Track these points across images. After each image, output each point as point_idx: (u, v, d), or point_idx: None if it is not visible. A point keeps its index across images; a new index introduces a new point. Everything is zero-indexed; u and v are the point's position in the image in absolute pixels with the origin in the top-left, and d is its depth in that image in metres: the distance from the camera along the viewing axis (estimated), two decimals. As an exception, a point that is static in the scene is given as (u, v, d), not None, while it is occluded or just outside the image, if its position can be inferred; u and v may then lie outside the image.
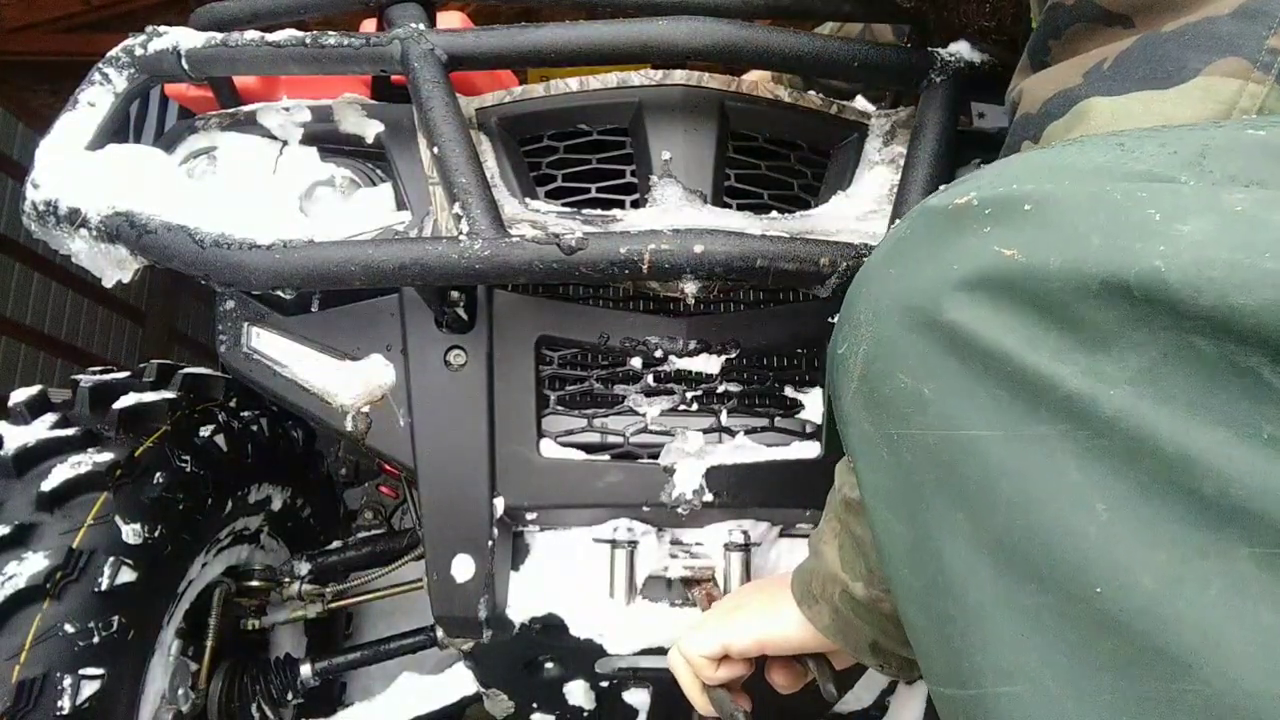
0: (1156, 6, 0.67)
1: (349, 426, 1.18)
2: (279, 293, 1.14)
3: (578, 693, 1.32)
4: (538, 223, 1.07)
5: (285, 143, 1.20)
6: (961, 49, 1.11)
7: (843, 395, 0.62)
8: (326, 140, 1.20)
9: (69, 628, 1.05)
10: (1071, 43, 0.74)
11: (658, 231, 0.96)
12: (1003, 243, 0.50)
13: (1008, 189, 0.52)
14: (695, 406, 1.16)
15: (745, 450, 1.15)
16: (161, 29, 1.15)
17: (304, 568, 1.52)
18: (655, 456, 1.15)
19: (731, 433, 1.16)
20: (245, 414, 1.42)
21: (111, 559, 1.10)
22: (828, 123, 1.23)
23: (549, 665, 1.31)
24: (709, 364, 1.14)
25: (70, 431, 1.19)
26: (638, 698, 1.34)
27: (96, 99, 1.12)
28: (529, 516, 1.18)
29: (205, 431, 1.30)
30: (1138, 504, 0.45)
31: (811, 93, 1.23)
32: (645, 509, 1.16)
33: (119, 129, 1.13)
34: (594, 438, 1.17)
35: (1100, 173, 0.51)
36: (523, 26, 1.08)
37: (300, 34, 1.10)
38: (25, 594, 1.04)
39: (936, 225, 0.55)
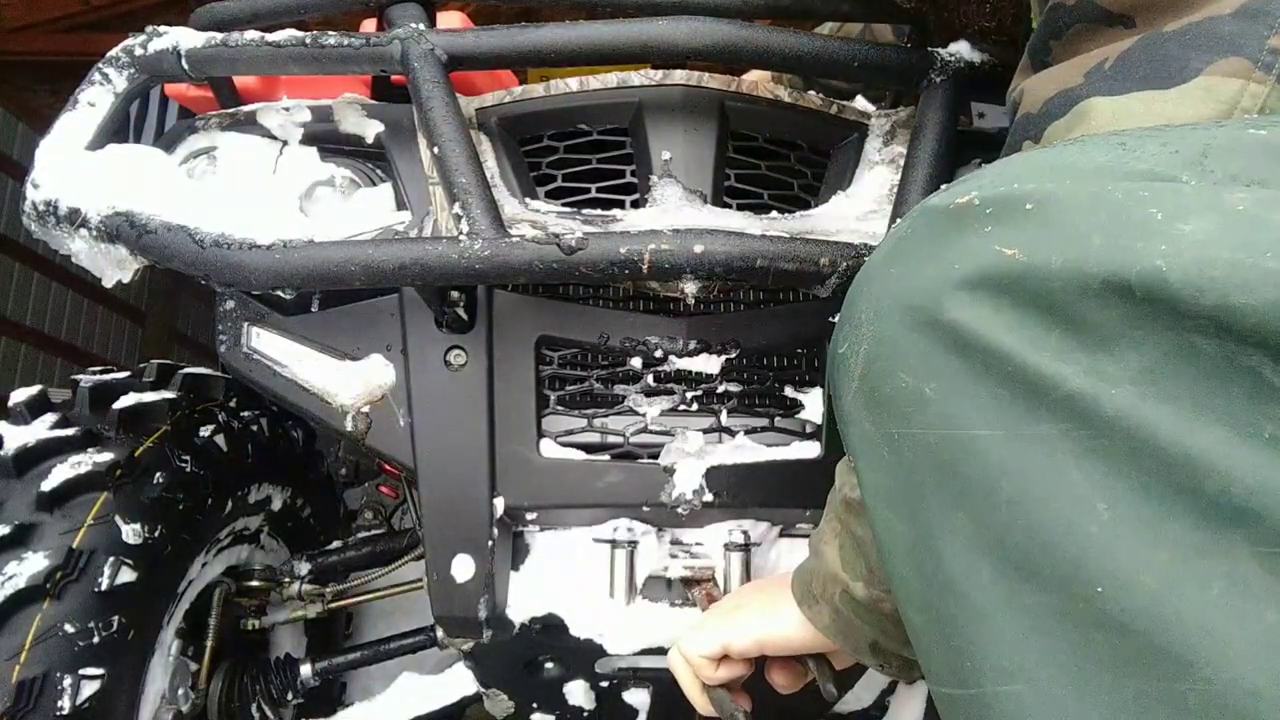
0: (1158, 7, 0.67)
1: (349, 426, 1.18)
2: (279, 293, 1.14)
3: (578, 693, 1.32)
4: (538, 223, 1.07)
5: (285, 143, 1.20)
6: (961, 49, 1.11)
7: (844, 395, 0.62)
8: (326, 140, 1.20)
9: (69, 628, 1.05)
10: (1073, 43, 0.74)
11: (658, 231, 0.96)
12: (1004, 242, 0.50)
13: (1009, 188, 0.52)
14: (695, 406, 1.16)
15: (745, 450, 1.15)
16: (161, 29, 1.15)
17: (304, 568, 1.52)
18: (655, 456, 1.15)
19: (731, 433, 1.16)
20: (245, 414, 1.42)
21: (111, 559, 1.10)
22: (828, 123, 1.23)
23: (549, 665, 1.31)
24: (709, 364, 1.14)
25: (70, 431, 1.19)
26: (638, 698, 1.34)
27: (96, 99, 1.12)
28: (529, 516, 1.18)
29: (205, 431, 1.30)
30: (1139, 503, 0.45)
31: (811, 93, 1.23)
32: (645, 509, 1.16)
33: (119, 129, 1.13)
34: (594, 438, 1.17)
35: (1101, 172, 0.51)
36: (523, 26, 1.08)
37: (300, 34, 1.10)
38: (25, 594, 1.04)
39: (938, 224, 0.55)
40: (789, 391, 1.17)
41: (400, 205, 1.17)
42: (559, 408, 1.17)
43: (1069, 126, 0.69)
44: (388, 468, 1.71)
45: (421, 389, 1.15)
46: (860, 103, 1.30)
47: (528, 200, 1.14)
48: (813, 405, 1.16)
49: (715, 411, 1.17)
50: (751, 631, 0.91)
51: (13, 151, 6.71)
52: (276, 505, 1.49)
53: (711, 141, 1.15)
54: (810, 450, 1.15)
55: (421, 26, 1.09)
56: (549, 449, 1.15)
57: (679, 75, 1.17)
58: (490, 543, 1.15)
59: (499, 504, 1.15)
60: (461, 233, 0.99)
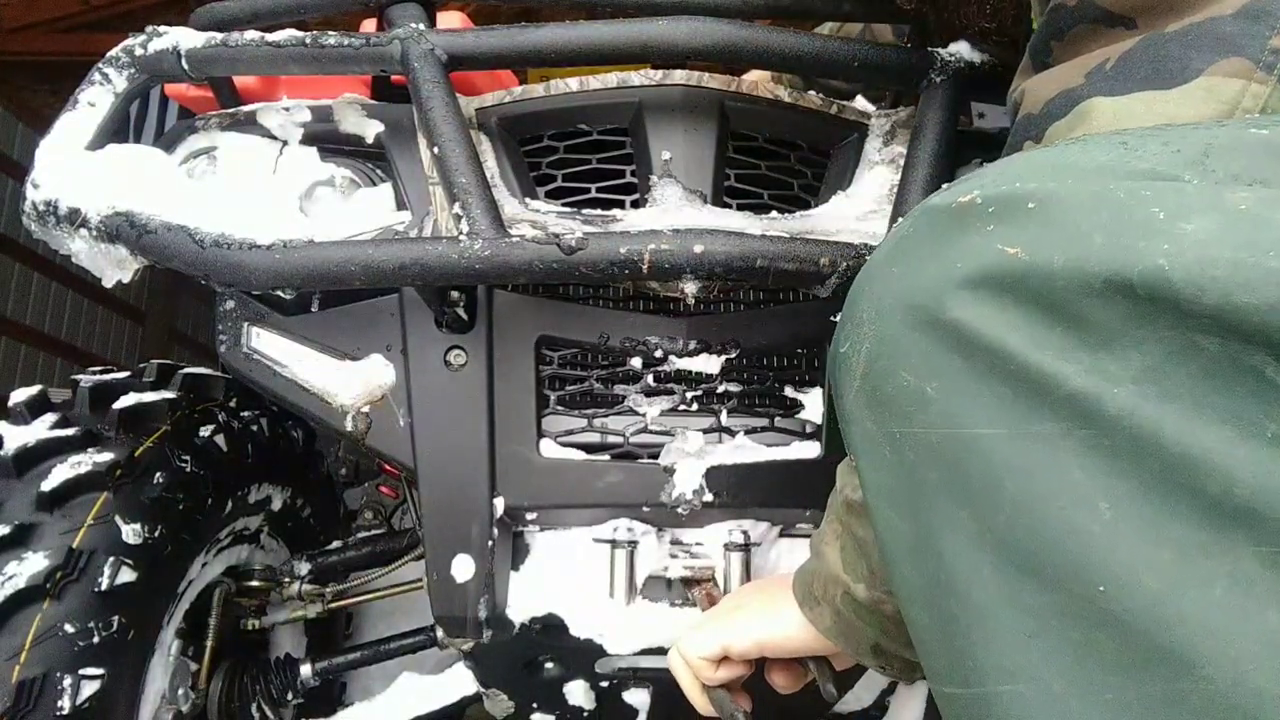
0: (1159, 7, 0.67)
1: (349, 426, 1.18)
2: (279, 293, 1.14)
3: (578, 693, 1.32)
4: (538, 223, 1.07)
5: (285, 143, 1.20)
6: (961, 49, 1.11)
7: (845, 394, 0.62)
8: (326, 140, 1.20)
9: (69, 628, 1.05)
10: (1074, 43, 0.73)
11: (658, 231, 0.96)
12: (1006, 241, 0.50)
13: (1011, 187, 0.52)
14: (695, 406, 1.16)
15: (745, 450, 1.15)
16: (161, 29, 1.15)
17: (304, 568, 1.51)
18: (655, 456, 1.15)
19: (731, 433, 1.16)
20: (245, 414, 1.42)
21: (111, 559, 1.10)
22: (828, 123, 1.23)
23: (549, 665, 1.31)
24: (709, 364, 1.14)
25: (70, 431, 1.19)
26: (638, 698, 1.34)
27: (96, 99, 1.12)
28: (529, 516, 1.18)
29: (205, 431, 1.30)
30: (1141, 503, 0.45)
31: (811, 93, 1.23)
32: (645, 509, 1.16)
33: (119, 129, 1.13)
34: (594, 438, 1.17)
35: (1103, 171, 0.51)
36: (523, 26, 1.08)
37: (300, 34, 1.10)
38: (25, 594, 1.04)
39: (940, 223, 0.55)
40: (789, 391, 1.17)
41: (400, 205, 1.17)
42: (559, 408, 1.17)
43: (1070, 127, 0.69)
44: (388, 468, 1.71)
45: (421, 389, 1.15)
46: (860, 103, 1.30)
47: (528, 200, 1.14)
48: (813, 405, 1.16)
49: (715, 411, 1.17)
50: (752, 633, 0.91)
51: (13, 151, 6.70)
52: (276, 505, 1.49)
53: (711, 141, 1.15)
54: (810, 450, 1.15)
55: (421, 26, 1.09)
56: (549, 449, 1.15)
57: (679, 75, 1.17)
58: (490, 543, 1.15)
59: (499, 504, 1.15)
60: (461, 233, 0.99)
